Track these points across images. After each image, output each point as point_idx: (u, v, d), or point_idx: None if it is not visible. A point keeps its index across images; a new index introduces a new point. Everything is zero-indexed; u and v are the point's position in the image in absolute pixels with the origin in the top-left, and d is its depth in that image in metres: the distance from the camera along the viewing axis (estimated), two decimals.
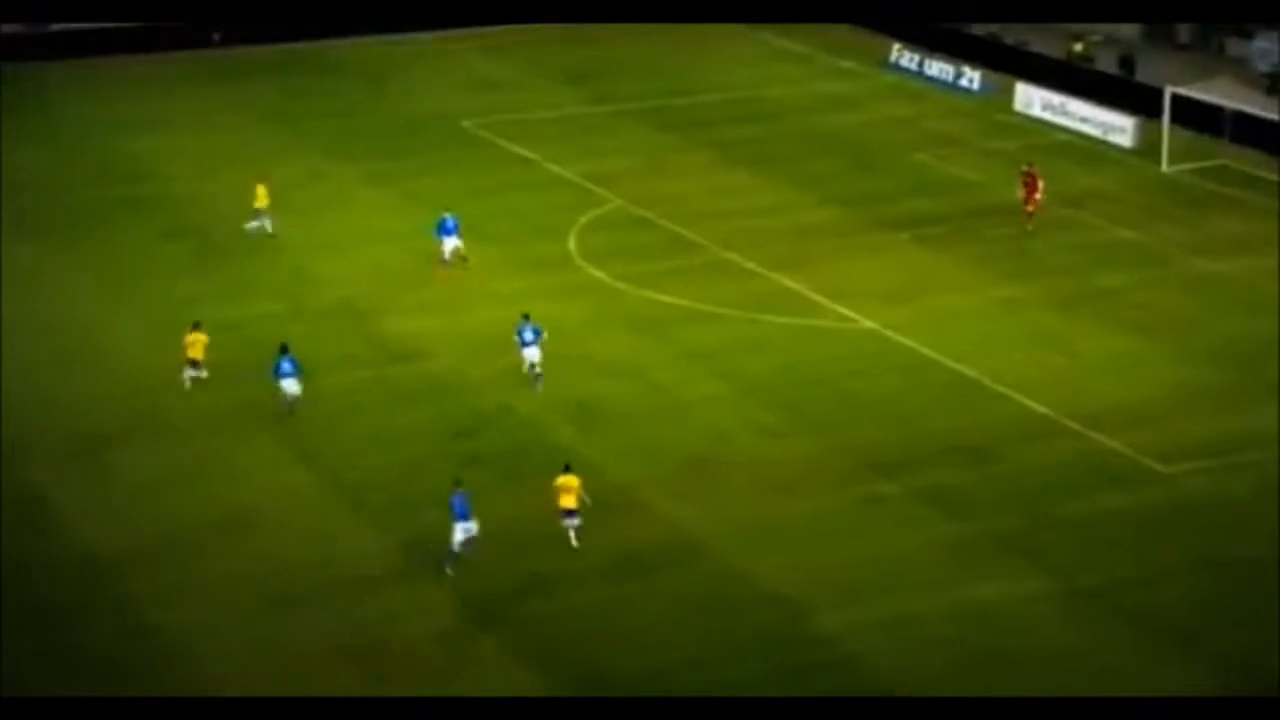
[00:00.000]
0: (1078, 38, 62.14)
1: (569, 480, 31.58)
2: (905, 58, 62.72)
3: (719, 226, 46.95)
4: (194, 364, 37.32)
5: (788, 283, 43.34)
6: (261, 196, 45.92)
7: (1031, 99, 56.87)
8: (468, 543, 30.75)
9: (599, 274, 43.90)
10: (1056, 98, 56.34)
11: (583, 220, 47.45)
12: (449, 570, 30.55)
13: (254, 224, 45.73)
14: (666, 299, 42.39)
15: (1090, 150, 53.06)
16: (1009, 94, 57.64)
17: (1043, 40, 62.74)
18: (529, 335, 37.71)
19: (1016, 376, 37.81)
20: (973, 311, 41.52)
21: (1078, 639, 28.52)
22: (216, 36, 65.50)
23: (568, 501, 31.50)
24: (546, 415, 36.52)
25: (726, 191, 50.03)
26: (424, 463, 34.46)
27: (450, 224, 43.61)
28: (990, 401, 37.02)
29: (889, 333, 40.30)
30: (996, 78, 59.99)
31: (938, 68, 61.39)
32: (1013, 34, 63.63)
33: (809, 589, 29.92)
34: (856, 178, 51.36)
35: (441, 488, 33.25)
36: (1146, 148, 52.34)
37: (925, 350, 39.34)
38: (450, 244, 43.48)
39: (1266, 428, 35.43)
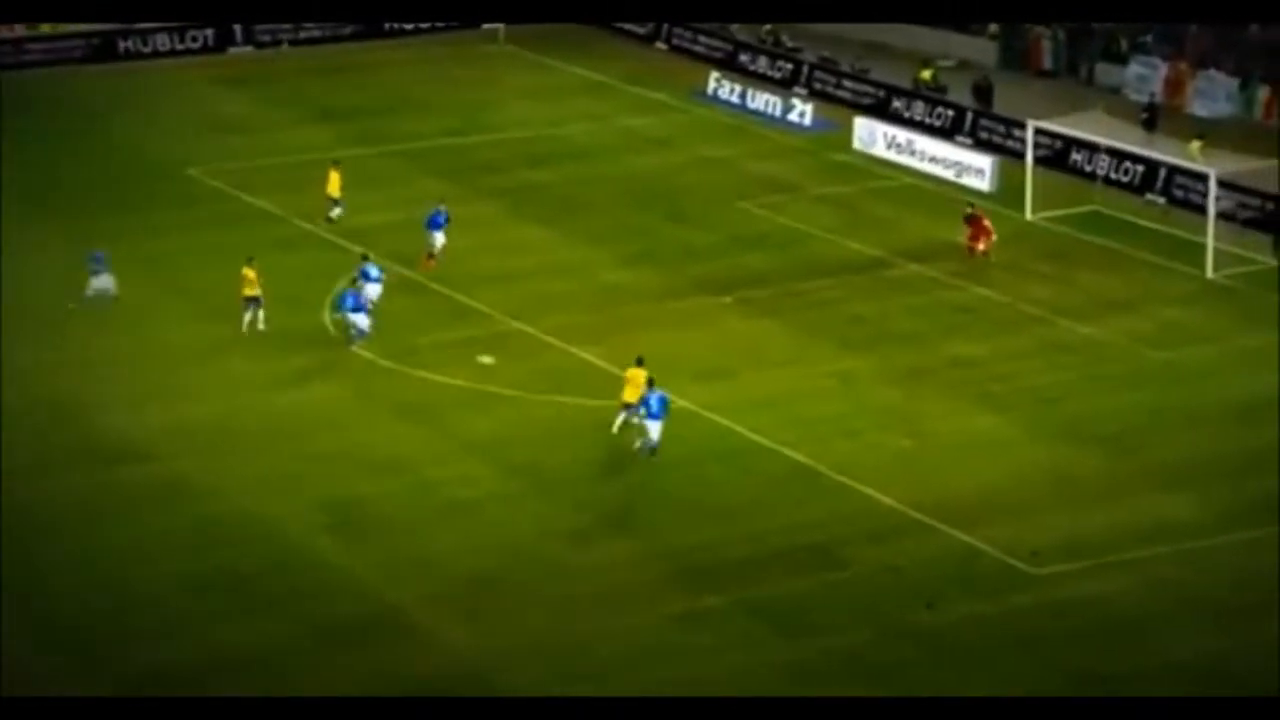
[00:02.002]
0: (926, 63, 63.99)
1: (637, 373, 38.70)
2: (724, 88, 63.97)
3: (507, 291, 47.27)
4: (252, 301, 43.93)
5: (589, 357, 43.76)
6: (334, 183, 51.04)
7: (873, 135, 58.36)
8: (645, 444, 38.12)
9: (359, 350, 43.87)
10: (903, 134, 57.91)
11: (339, 287, 47.42)
12: (642, 450, 38.18)
13: (335, 212, 51.17)
14: (443, 379, 42.51)
15: (942, 195, 54.56)
16: (847, 129, 59.09)
17: (886, 66, 64.48)
18: (374, 273, 44.54)
19: (859, 463, 38.59)
20: (807, 388, 42.31)
21: None
22: None
23: (631, 395, 38.39)
24: (298, 524, 36.35)
25: (516, 249, 50.43)
26: (145, 589, 34.04)
27: (440, 218, 48.15)
28: (829, 494, 37.71)
29: (710, 414, 40.87)
30: (832, 110, 61.48)
31: (763, 99, 62.71)
32: (850, 59, 65.29)
33: None
34: (669, 230, 52.13)
35: (169, 619, 32.90)
36: (1007, 192, 53.98)
37: (752, 435, 39.97)
38: (439, 239, 48.02)
39: (1147, 520, 36.58)
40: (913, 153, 57.12)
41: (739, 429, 40.22)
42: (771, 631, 33.08)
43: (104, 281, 45.75)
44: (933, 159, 56.60)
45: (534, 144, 59.50)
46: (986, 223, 49.33)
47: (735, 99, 63.39)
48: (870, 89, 62.31)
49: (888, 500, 37.29)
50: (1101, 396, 42.04)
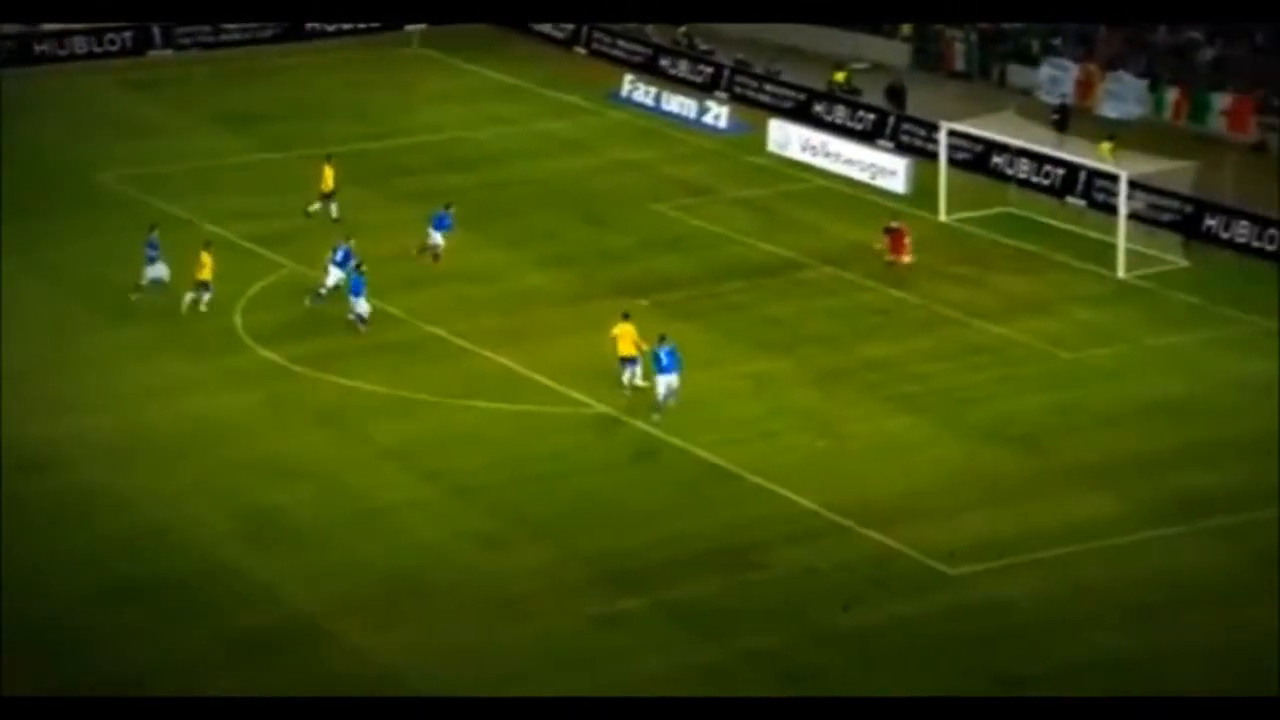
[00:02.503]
0: (839, 65, 64.19)
1: (625, 328, 40.73)
2: (639, 90, 63.96)
3: (421, 295, 47.07)
4: (203, 286, 44.58)
5: (505, 361, 43.63)
6: (328, 179, 51.02)
7: (788, 138, 58.46)
8: (670, 394, 39.62)
9: (271, 355, 43.56)
10: (817, 136, 58.04)
11: (251, 291, 47.11)
12: (656, 418, 39.64)
13: (316, 206, 51.09)
14: (357, 385, 42.28)
15: (856, 197, 54.73)
16: (761, 132, 59.19)
17: (799, 69, 64.66)
18: (340, 257, 45.38)
19: (776, 465, 38.61)
20: (724, 390, 42.31)
21: None
22: None
23: (625, 349, 40.47)
24: (212, 533, 36.10)
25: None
26: (57, 602, 33.65)
27: (444, 220, 48.58)
28: (747, 496, 37.73)
29: (626, 418, 40.83)
30: (747, 113, 61.61)
31: (678, 102, 62.72)
32: (764, 62, 65.42)
33: None
34: (585, 233, 52.05)
35: (81, 632, 32.62)
36: (921, 193, 54.21)
37: (669, 437, 39.93)
38: (435, 238, 48.31)
39: (1062, 519, 36.75)
40: (827, 155, 57.23)
41: (656, 432, 40.16)
42: (690, 634, 33.06)
43: (159, 270, 45.83)
44: (848, 161, 56.71)
45: (449, 147, 59.28)
46: (907, 240, 48.67)
47: (650, 101, 63.37)
48: (792, 93, 62.28)
49: (805, 502, 37.33)
50: (1016, 397, 42.24)
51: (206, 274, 44.79)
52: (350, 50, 69.52)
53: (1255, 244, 50.24)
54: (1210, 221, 51.05)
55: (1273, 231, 49.96)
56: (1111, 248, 49.34)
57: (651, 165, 57.77)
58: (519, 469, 38.71)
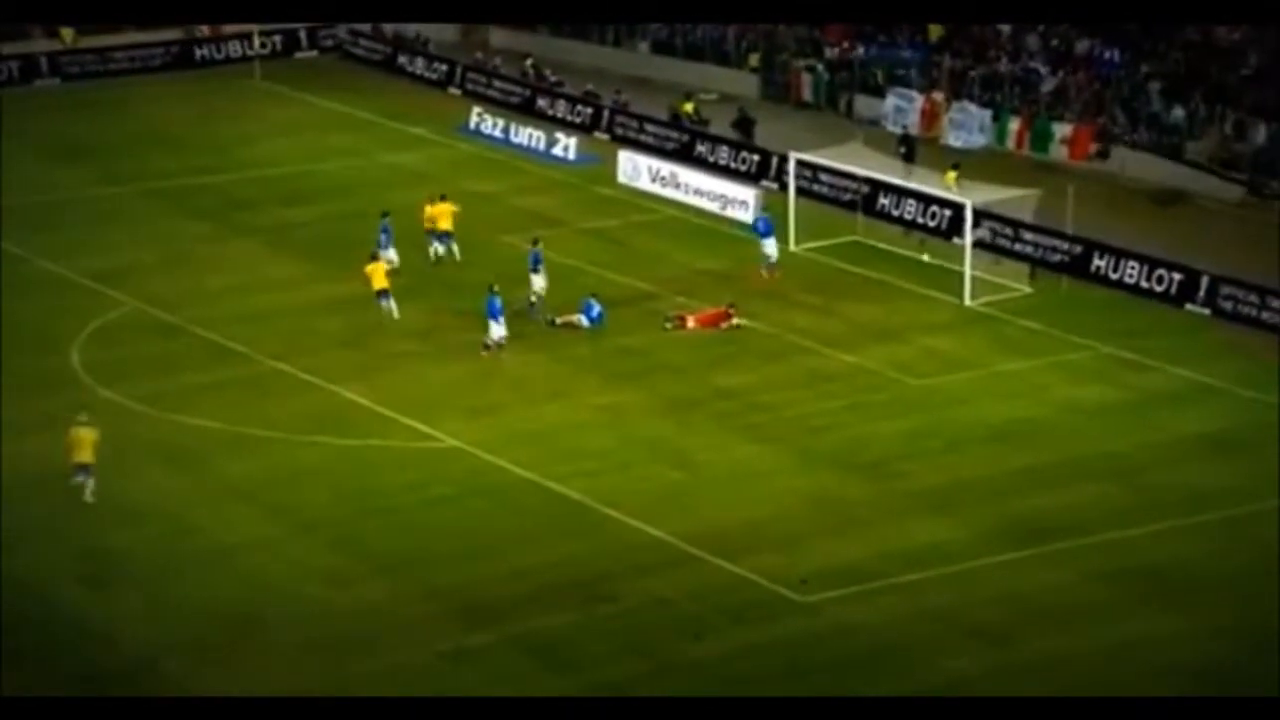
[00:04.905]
0: (688, 96, 64.48)
1: (443, 207, 48.22)
2: (487, 123, 63.85)
3: (266, 330, 46.60)
4: (383, 293, 46.34)
5: (351, 396, 43.28)
6: (444, 217, 50.60)
7: (638, 169, 58.59)
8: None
9: (111, 394, 42.86)
10: (666, 167, 58.21)
11: (89, 328, 46.37)
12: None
13: (437, 247, 50.74)
14: (200, 422, 41.75)
15: (706, 228, 54.92)
16: (611, 163, 59.29)
17: (648, 99, 64.85)
18: (536, 265, 47.60)
19: (627, 496, 38.55)
20: (573, 421, 42.22)
21: None
22: None
23: (444, 225, 47.69)
24: (50, 575, 35.43)
25: (275, 287, 49.76)
26: None
27: (765, 224, 50.07)
28: (598, 527, 37.63)
29: (475, 450, 40.61)
30: (596, 144, 61.67)
31: (526, 134, 62.68)
32: (610, 92, 65.55)
33: None
34: (433, 267, 51.72)
35: None
36: (770, 222, 54.35)
37: (519, 470, 39.77)
38: (770, 247, 49.81)
39: (911, 545, 36.98)
40: (677, 185, 57.38)
41: (506, 464, 39.98)
42: (540, 667, 32.87)
43: (393, 254, 48.75)
44: (697, 191, 56.91)
45: (293, 180, 58.80)
46: (734, 319, 47.37)
47: (498, 134, 63.26)
48: (675, 134, 61.87)
49: (657, 532, 37.28)
50: (865, 424, 42.49)
51: (381, 281, 46.62)
52: (194, 83, 68.97)
53: (1144, 284, 49.95)
54: (1099, 261, 50.93)
55: (1161, 271, 49.99)
56: (957, 275, 49.86)
57: (501, 197, 57.64)
58: (365, 504, 38.36)
